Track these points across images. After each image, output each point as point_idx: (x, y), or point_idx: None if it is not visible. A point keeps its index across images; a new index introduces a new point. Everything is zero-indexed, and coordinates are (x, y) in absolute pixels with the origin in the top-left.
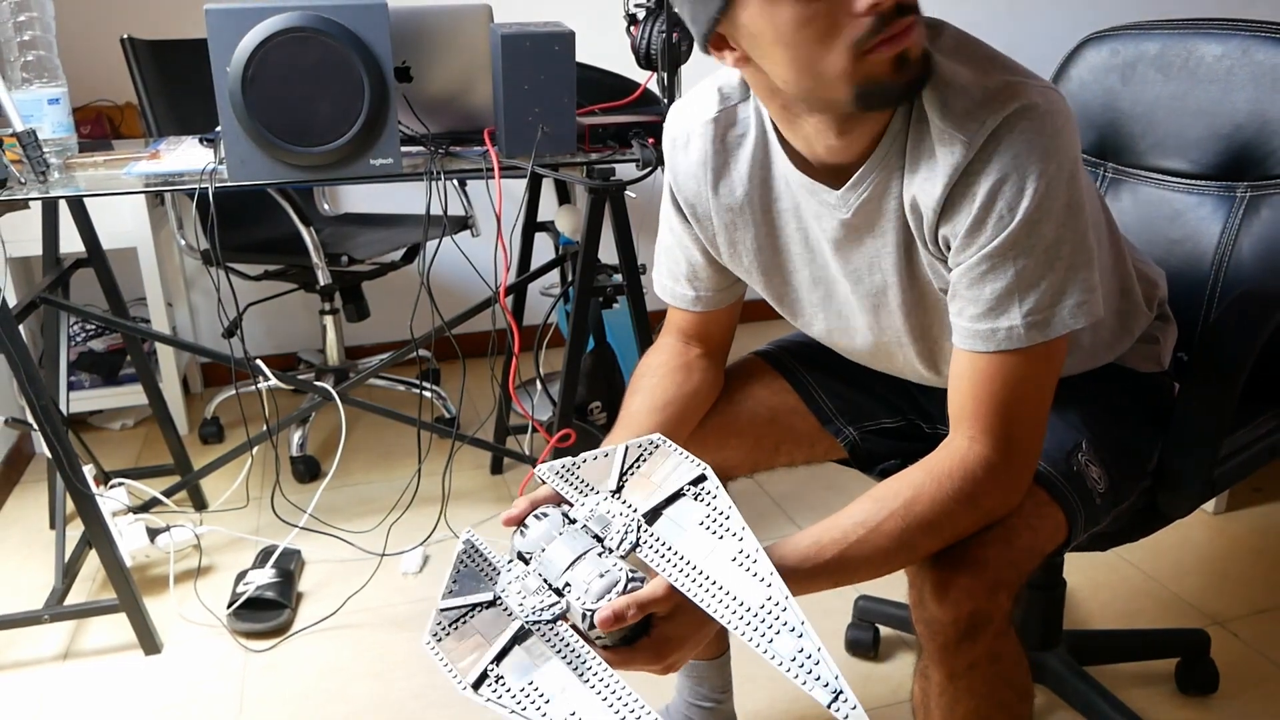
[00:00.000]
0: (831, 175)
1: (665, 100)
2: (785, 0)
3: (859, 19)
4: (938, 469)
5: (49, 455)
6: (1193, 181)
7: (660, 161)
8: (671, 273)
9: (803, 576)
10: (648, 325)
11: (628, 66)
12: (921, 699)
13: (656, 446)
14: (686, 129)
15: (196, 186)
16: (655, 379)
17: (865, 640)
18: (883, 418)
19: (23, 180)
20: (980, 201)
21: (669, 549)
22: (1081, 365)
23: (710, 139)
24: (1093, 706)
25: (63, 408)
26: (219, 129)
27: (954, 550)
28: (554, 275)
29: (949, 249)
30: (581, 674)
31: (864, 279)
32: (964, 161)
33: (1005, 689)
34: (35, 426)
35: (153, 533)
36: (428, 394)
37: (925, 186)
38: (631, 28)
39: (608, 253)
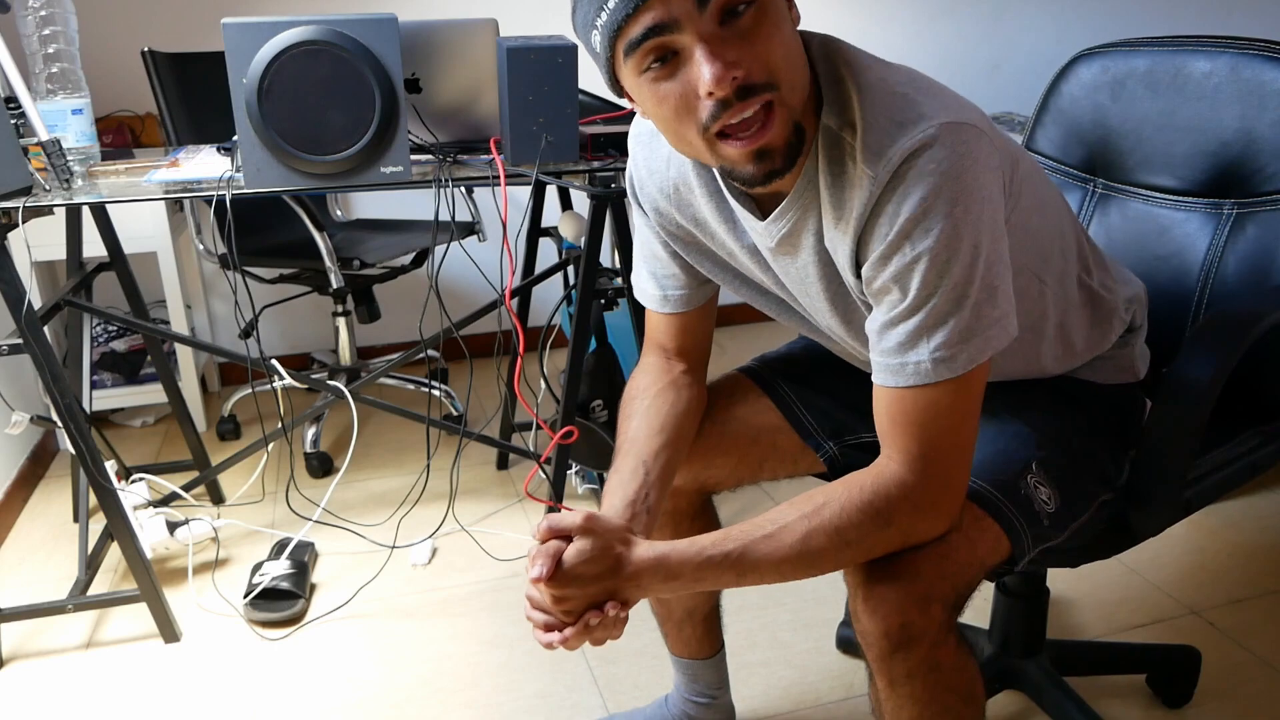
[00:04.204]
0: (760, 202)
1: None
2: (645, 78)
3: (703, 101)
4: (853, 481)
5: (73, 451)
6: (1180, 198)
7: None
8: (645, 274)
9: (702, 563)
10: None
11: None
12: (874, 703)
13: None
14: (650, 128)
15: (214, 193)
16: (647, 400)
17: (855, 638)
18: (863, 432)
19: (48, 187)
20: (890, 239)
21: None
22: (1059, 367)
23: (669, 151)
24: (1067, 716)
25: (86, 406)
26: (236, 138)
27: (884, 564)
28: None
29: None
30: None
31: (800, 294)
32: (871, 199)
33: (947, 694)
34: (59, 424)
35: (172, 526)
36: (436, 393)
37: (841, 228)
38: None
39: (609, 256)
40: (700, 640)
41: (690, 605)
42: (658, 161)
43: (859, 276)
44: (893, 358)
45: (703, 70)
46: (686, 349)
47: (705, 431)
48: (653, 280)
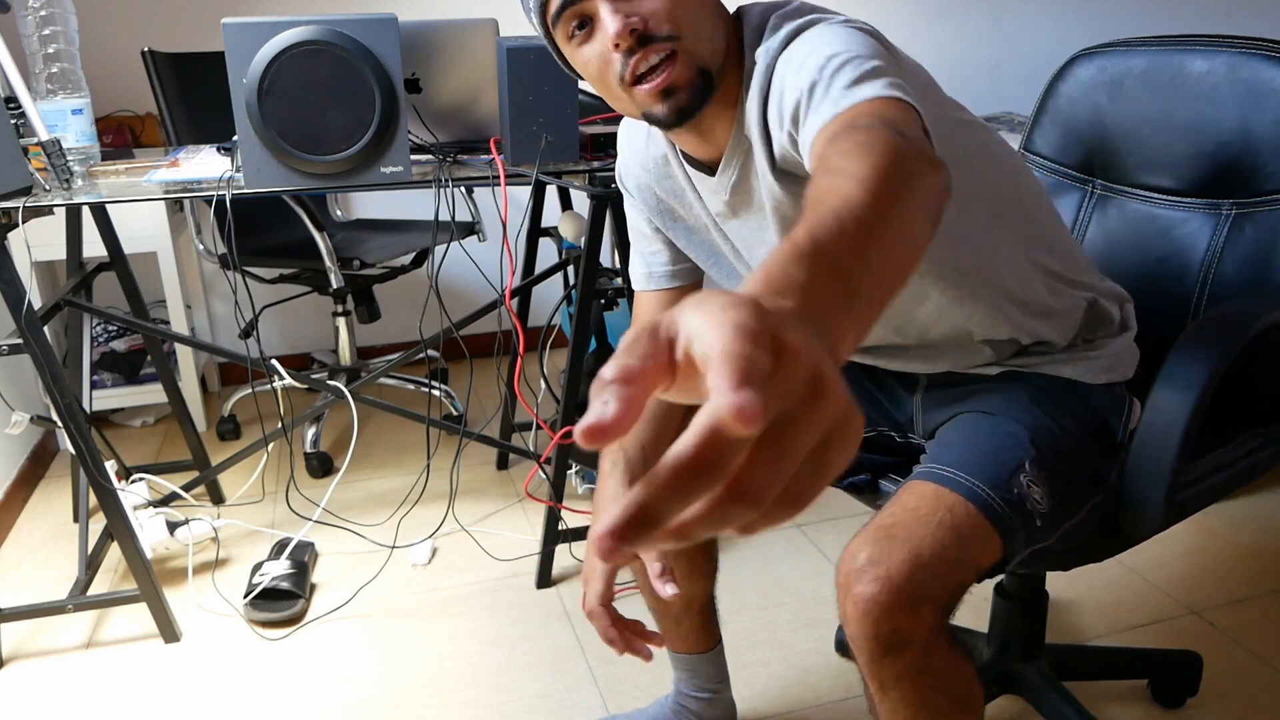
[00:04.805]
0: (709, 165)
1: None
2: (573, 45)
3: (614, 55)
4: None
5: (73, 451)
6: (1179, 199)
7: None
8: (635, 257)
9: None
10: None
11: None
12: (869, 704)
13: None
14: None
15: (214, 193)
16: None
17: None
18: None
19: (48, 187)
20: (788, 74)
21: None
22: (1003, 330)
23: (648, 129)
24: None
25: (86, 406)
26: (236, 138)
27: (873, 565)
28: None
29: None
30: None
31: (753, 253)
32: (769, 69)
33: (939, 698)
34: (59, 424)
35: (172, 526)
36: (436, 393)
37: (755, 112)
38: None
39: (609, 256)
40: (698, 634)
41: (687, 597)
42: (639, 140)
43: (779, 170)
44: (818, 112)
45: (607, 26)
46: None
47: (667, 435)
48: (640, 259)
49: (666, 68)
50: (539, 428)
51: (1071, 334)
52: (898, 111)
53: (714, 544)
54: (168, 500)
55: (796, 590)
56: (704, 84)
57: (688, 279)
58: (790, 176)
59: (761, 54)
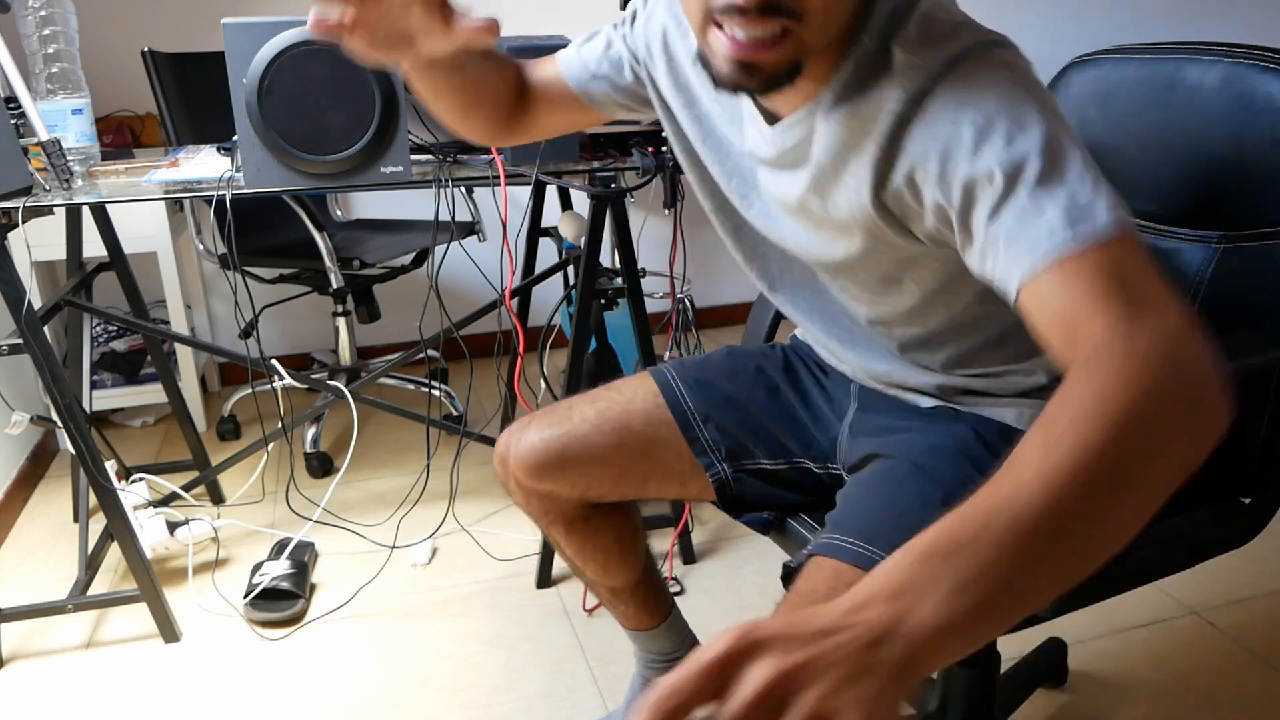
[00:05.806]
0: (765, 113)
1: None
2: None
3: None
4: (1067, 378)
5: (73, 451)
6: (1167, 228)
7: (660, 169)
8: (573, 49)
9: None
10: (648, 327)
11: None
12: None
13: None
14: None
15: (214, 193)
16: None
17: None
18: (762, 458)
19: (48, 187)
20: (963, 137)
21: None
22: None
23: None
24: None
25: (86, 406)
26: (236, 138)
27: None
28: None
29: (923, 204)
30: None
31: (783, 201)
32: (916, 93)
33: None
34: (59, 424)
35: (172, 526)
36: (436, 393)
37: (855, 147)
38: None
39: (609, 256)
40: (639, 613)
41: (614, 585)
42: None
43: (880, 201)
44: (1017, 240)
45: None
46: (536, 88)
47: (586, 437)
48: (579, 48)
49: (767, 49)
50: None
51: (1017, 357)
52: (1129, 266)
53: (635, 538)
54: (168, 500)
55: None
56: (788, 75)
57: (587, 89)
58: (886, 210)
59: (908, 63)
